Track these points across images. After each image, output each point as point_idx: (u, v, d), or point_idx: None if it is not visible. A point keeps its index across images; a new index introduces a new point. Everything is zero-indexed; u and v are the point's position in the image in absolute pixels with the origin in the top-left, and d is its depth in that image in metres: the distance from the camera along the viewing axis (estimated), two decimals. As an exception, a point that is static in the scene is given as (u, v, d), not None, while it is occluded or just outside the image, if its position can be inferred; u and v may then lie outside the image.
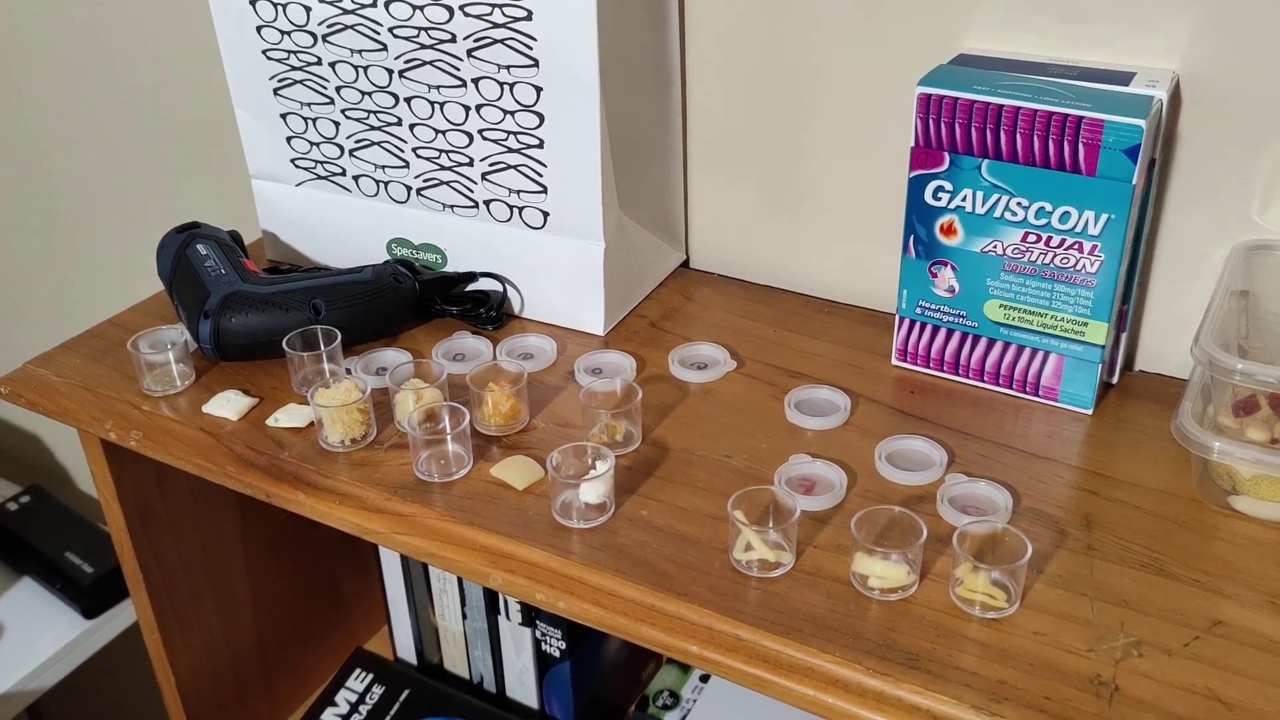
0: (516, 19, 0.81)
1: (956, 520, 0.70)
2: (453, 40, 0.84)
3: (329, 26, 0.88)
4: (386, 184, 0.94)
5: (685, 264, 1.02)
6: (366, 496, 0.76)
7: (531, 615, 1.07)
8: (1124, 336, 0.80)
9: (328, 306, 0.87)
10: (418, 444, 0.77)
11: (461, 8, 0.82)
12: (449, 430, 0.77)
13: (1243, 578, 0.66)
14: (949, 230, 0.78)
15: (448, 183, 0.91)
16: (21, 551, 1.64)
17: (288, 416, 0.82)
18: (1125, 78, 0.74)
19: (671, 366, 0.86)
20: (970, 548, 0.66)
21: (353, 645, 1.23)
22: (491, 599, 1.08)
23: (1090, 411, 0.79)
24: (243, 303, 0.86)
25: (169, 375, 0.87)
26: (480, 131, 0.87)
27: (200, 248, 0.91)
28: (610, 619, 0.67)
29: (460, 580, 1.10)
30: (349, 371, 0.85)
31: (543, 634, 1.07)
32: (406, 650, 1.19)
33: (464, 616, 1.12)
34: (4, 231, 1.58)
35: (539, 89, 0.83)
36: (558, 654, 1.07)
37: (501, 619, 1.09)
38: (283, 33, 0.90)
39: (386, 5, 0.84)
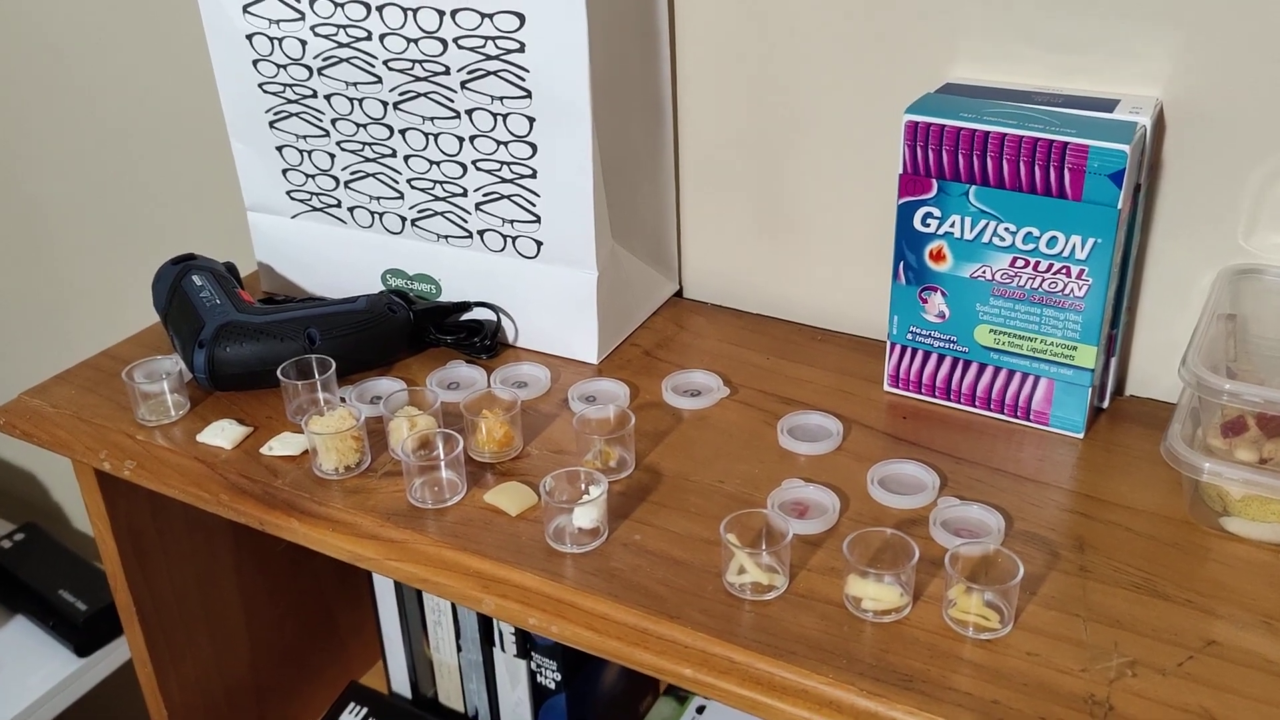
0: (509, 51, 0.82)
1: (949, 543, 0.70)
2: (446, 72, 0.85)
3: (324, 60, 0.89)
4: (381, 215, 0.95)
5: (679, 294, 1.02)
6: (360, 523, 0.76)
7: (527, 647, 1.06)
8: (1114, 361, 0.81)
9: (322, 336, 0.87)
10: (411, 470, 0.77)
11: (455, 40, 0.83)
12: (443, 457, 0.77)
13: (1236, 598, 0.66)
14: (938, 256, 0.79)
15: (442, 213, 0.92)
16: (14, 589, 1.63)
17: (282, 445, 0.82)
18: (1109, 105, 0.75)
19: (665, 394, 0.86)
20: (963, 569, 0.66)
21: (347, 679, 1.22)
22: (486, 631, 1.08)
23: (1081, 435, 0.80)
24: (237, 332, 0.87)
25: (164, 405, 0.87)
26: (474, 162, 0.88)
27: (195, 279, 0.91)
28: (603, 643, 0.67)
29: (455, 612, 1.09)
30: (343, 400, 0.85)
31: (538, 665, 1.06)
32: (401, 684, 1.18)
33: (459, 649, 1.11)
34: None
35: (532, 119, 0.84)
36: (553, 686, 1.06)
37: (496, 651, 1.08)
38: (278, 66, 0.91)
39: (381, 38, 0.86)
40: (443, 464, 0.77)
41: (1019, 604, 0.66)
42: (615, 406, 0.80)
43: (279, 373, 0.84)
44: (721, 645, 0.64)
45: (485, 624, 1.08)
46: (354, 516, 0.76)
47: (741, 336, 0.94)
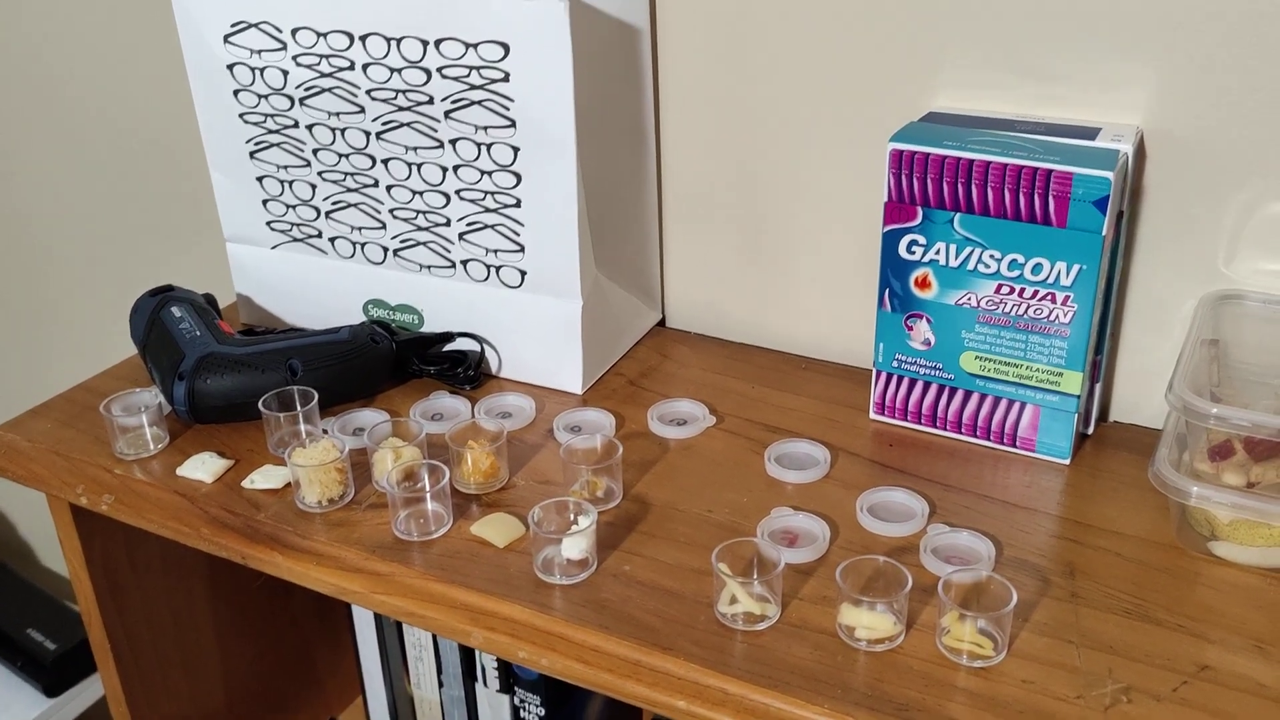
0: (494, 80, 0.82)
1: (940, 570, 0.69)
2: (430, 102, 0.84)
3: (306, 89, 0.88)
4: (363, 245, 0.94)
5: (661, 323, 1.02)
6: (344, 556, 0.75)
7: (510, 682, 1.05)
8: (1098, 387, 0.81)
9: (304, 367, 0.87)
10: (397, 503, 0.76)
11: (439, 70, 0.83)
12: (428, 489, 0.76)
13: (1226, 622, 0.66)
14: (923, 283, 0.79)
15: (424, 243, 0.91)
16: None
17: (264, 478, 0.81)
18: (1091, 133, 0.76)
19: (651, 423, 0.86)
20: (956, 596, 0.65)
21: (326, 716, 1.20)
22: (469, 666, 1.07)
23: (1068, 461, 0.80)
24: (218, 364, 0.86)
25: (142, 439, 0.86)
26: (457, 192, 0.88)
27: (175, 310, 0.90)
28: (595, 675, 0.66)
29: (436, 646, 1.08)
30: (325, 432, 0.84)
31: (521, 700, 1.05)
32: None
33: (440, 684, 1.10)
34: None
35: (516, 149, 0.84)
36: (536, 720, 1.05)
37: (479, 686, 1.07)
38: (260, 96, 0.91)
39: (364, 68, 0.85)
40: (428, 496, 0.76)
41: (1012, 631, 0.65)
42: (602, 436, 0.80)
43: (260, 404, 0.83)
44: (715, 677, 0.64)
45: (468, 659, 1.06)
46: (338, 550, 0.75)
47: (726, 365, 0.94)
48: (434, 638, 1.07)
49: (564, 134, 0.82)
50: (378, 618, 1.10)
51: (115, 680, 0.99)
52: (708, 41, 0.90)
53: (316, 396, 0.84)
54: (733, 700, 0.63)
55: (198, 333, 0.88)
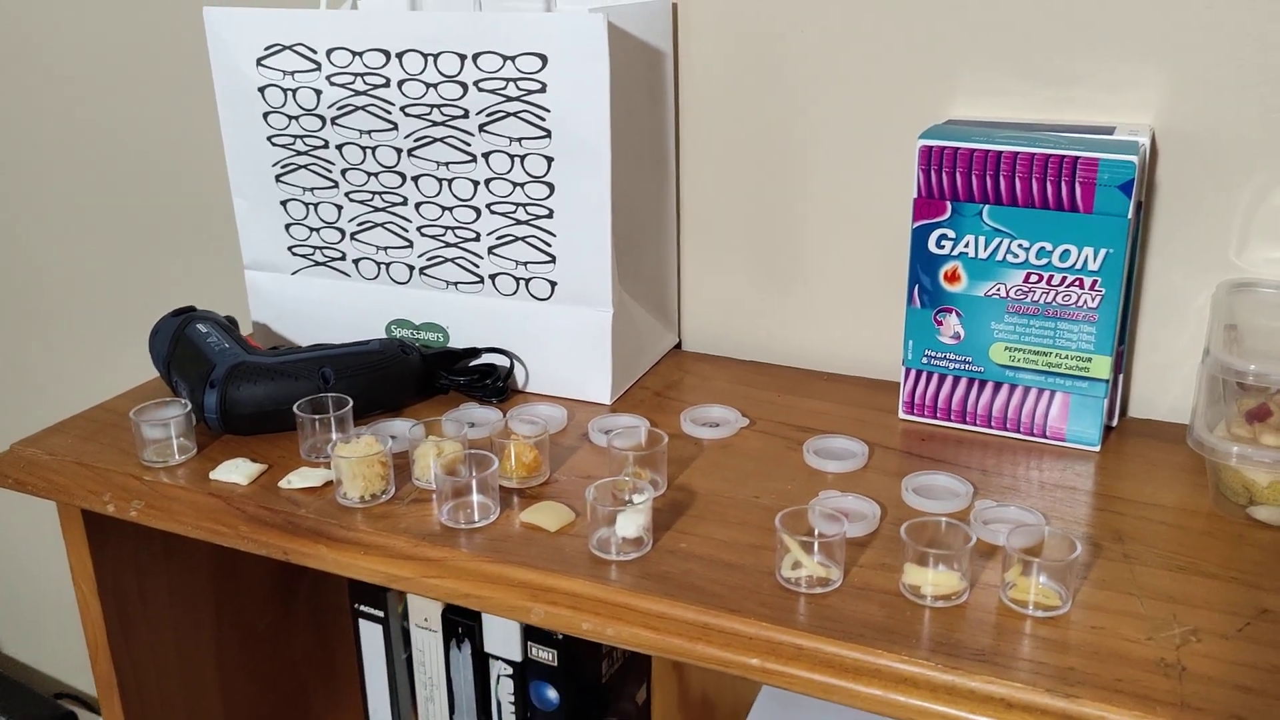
0: (530, 92, 0.84)
1: (994, 539, 0.71)
2: (465, 116, 0.87)
3: (339, 109, 0.90)
4: (388, 265, 0.95)
5: (678, 348, 1.04)
6: (392, 545, 0.74)
7: (528, 716, 1.02)
8: (1121, 379, 0.84)
9: (336, 375, 0.86)
10: (444, 492, 0.75)
11: (476, 83, 0.85)
12: (475, 478, 0.76)
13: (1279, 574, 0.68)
14: (953, 277, 0.82)
15: (452, 259, 0.93)
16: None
17: (301, 478, 0.80)
18: (1107, 132, 0.80)
19: (684, 425, 0.87)
20: (1019, 551, 0.66)
21: (327, 768, 1.16)
22: (484, 704, 1.04)
23: (1097, 449, 0.82)
24: (250, 372, 0.85)
25: (169, 448, 0.84)
26: (488, 205, 0.89)
27: (200, 326, 0.90)
28: (664, 641, 0.66)
29: (449, 685, 1.05)
30: (386, 439, 0.84)
31: (537, 737, 1.02)
32: (386, 771, 1.13)
33: (451, 726, 1.07)
34: None
35: (550, 159, 0.86)
36: (554, 758, 1.02)
37: (492, 725, 1.04)
38: (290, 118, 0.92)
39: (400, 85, 0.88)
40: (474, 485, 0.76)
41: (1074, 586, 0.66)
42: (646, 427, 0.80)
43: (295, 409, 0.83)
44: (787, 633, 0.64)
45: (483, 695, 1.04)
46: (385, 539, 0.74)
47: (749, 378, 0.96)
48: (447, 675, 1.05)
49: (600, 140, 0.84)
50: (389, 657, 1.08)
51: (119, 715, 0.95)
52: (729, 65, 0.94)
53: (350, 403, 0.84)
54: (807, 654, 0.63)
55: (226, 345, 0.88)
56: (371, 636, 1.07)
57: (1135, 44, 0.81)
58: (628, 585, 0.68)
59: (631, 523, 0.71)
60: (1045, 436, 0.83)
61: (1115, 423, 0.86)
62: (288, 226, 0.97)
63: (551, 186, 0.87)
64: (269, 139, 0.94)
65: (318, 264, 0.98)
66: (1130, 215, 0.76)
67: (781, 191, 0.96)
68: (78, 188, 1.32)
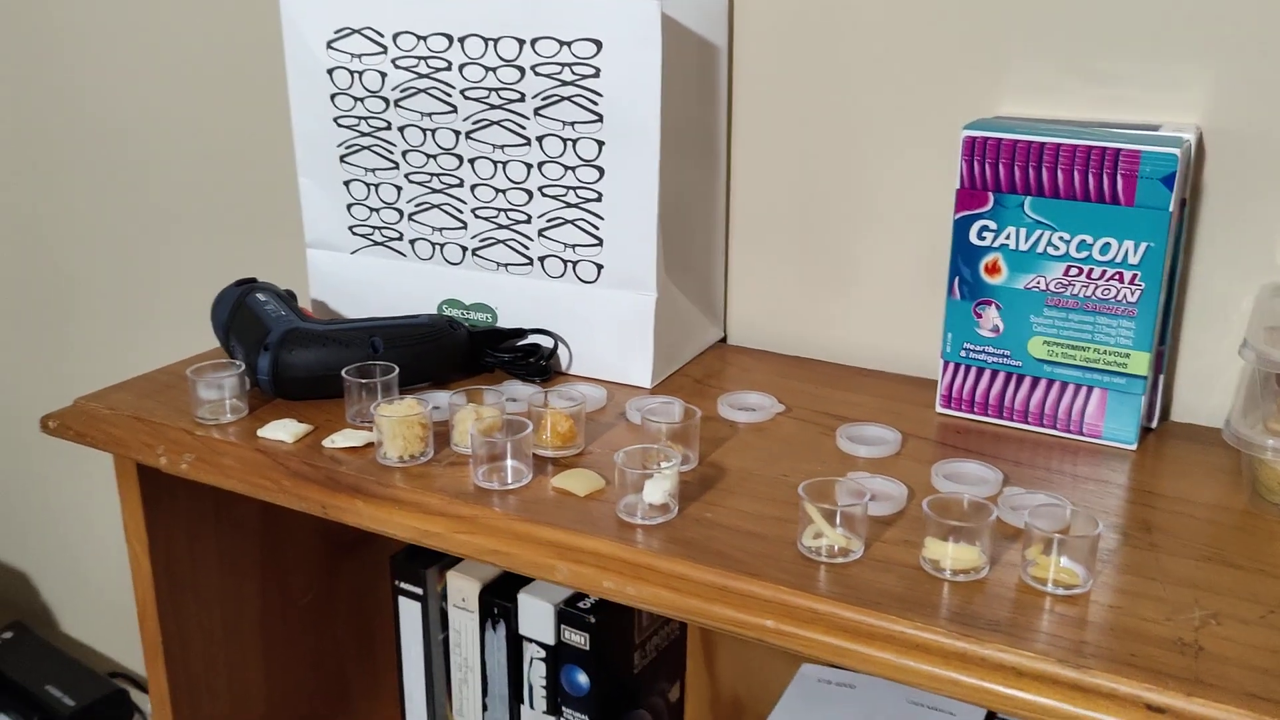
0: (585, 76, 0.87)
1: (1020, 523, 0.70)
2: (521, 100, 0.90)
3: (402, 91, 0.94)
4: (442, 246, 0.98)
5: (723, 341, 1.05)
6: (426, 502, 0.76)
7: (558, 701, 1.03)
8: (1161, 379, 0.84)
9: (385, 345, 0.89)
10: (479, 455, 0.77)
11: (533, 68, 0.88)
12: (510, 443, 0.78)
13: (1308, 568, 0.67)
14: (993, 269, 0.82)
15: (504, 241, 0.95)
16: (1, 686, 1.58)
17: (344, 438, 0.83)
18: (1152, 129, 0.80)
19: (720, 409, 0.88)
20: (1040, 529, 0.66)
21: (361, 743, 1.18)
22: (515, 686, 1.05)
23: (1134, 447, 0.81)
24: (303, 338, 0.88)
25: (222, 408, 0.87)
26: (540, 188, 0.92)
27: (260, 295, 0.94)
28: (682, 601, 0.67)
29: (484, 667, 1.07)
30: (426, 402, 0.86)
31: (568, 722, 1.03)
32: (418, 750, 1.14)
33: (484, 708, 1.08)
34: (44, 292, 1.60)
35: (601, 143, 0.88)
36: (583, 743, 1.03)
37: (524, 709, 1.05)
38: (355, 99, 0.96)
39: (460, 69, 0.91)
40: (509, 450, 0.78)
41: (1095, 569, 0.66)
42: (681, 403, 0.82)
43: (343, 373, 0.85)
44: (804, 597, 0.64)
45: (515, 679, 1.05)
46: (420, 496, 0.76)
47: (790, 370, 0.97)
48: (482, 658, 1.06)
49: (650, 124, 0.86)
50: (426, 636, 1.10)
51: (162, 679, 0.98)
52: (782, 62, 0.96)
53: (396, 370, 0.86)
54: (823, 618, 0.64)
55: (283, 313, 0.91)
56: (410, 615, 1.09)
57: (1183, 43, 0.81)
58: (651, 548, 0.69)
59: (658, 489, 0.72)
60: (1082, 434, 0.83)
61: (1155, 424, 0.85)
62: (349, 206, 1.01)
63: (601, 170, 0.89)
64: (335, 120, 0.98)
65: (376, 244, 1.01)
66: (1172, 209, 0.76)
67: (830, 189, 0.97)
68: (154, 174, 1.38)
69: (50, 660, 1.62)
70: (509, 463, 0.78)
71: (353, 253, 1.02)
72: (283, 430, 0.84)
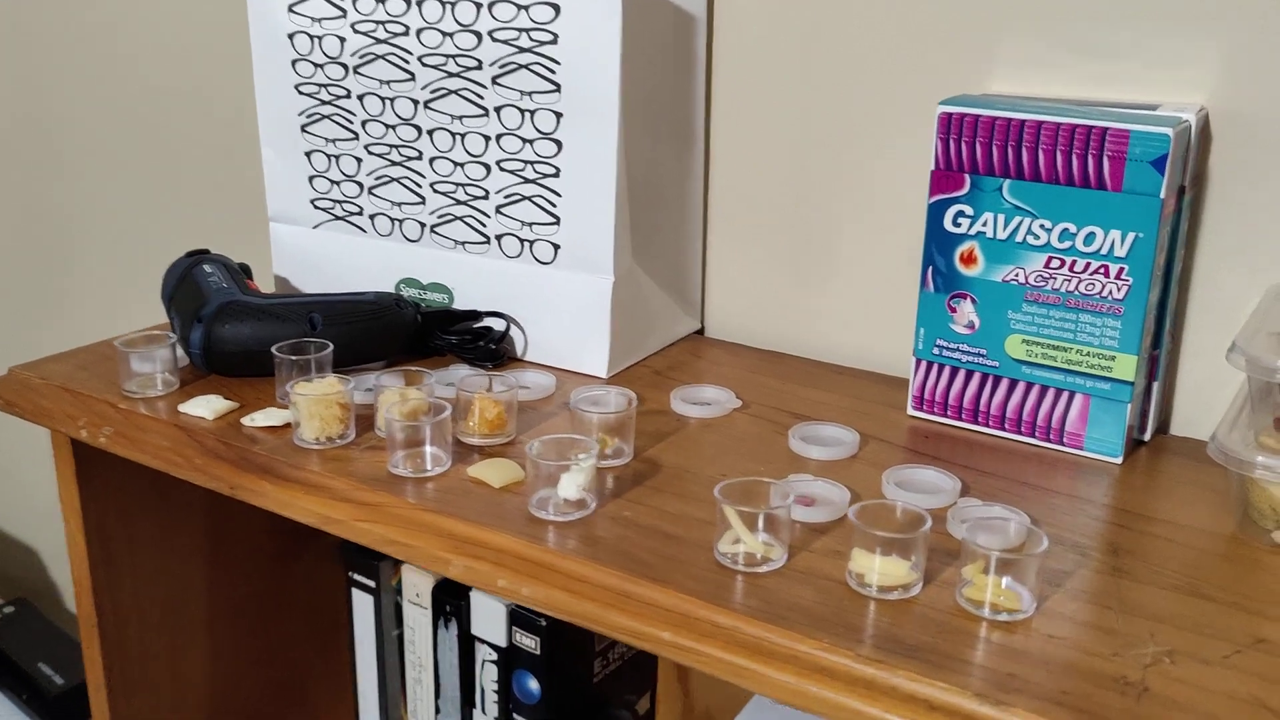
0: (542, 43, 0.81)
1: (973, 538, 0.63)
2: (479, 67, 0.84)
3: (361, 57, 0.89)
4: (401, 222, 0.93)
5: (700, 333, 0.99)
6: (334, 487, 0.71)
7: (509, 708, 0.98)
8: (1156, 387, 0.75)
9: (324, 321, 0.84)
10: (395, 439, 0.72)
11: (490, 33, 0.83)
12: (429, 428, 0.72)
13: (1290, 604, 0.58)
14: (969, 259, 0.75)
15: (461, 218, 0.90)
16: (-7, 666, 1.57)
17: (265, 417, 0.78)
18: (1150, 109, 0.72)
19: (673, 403, 0.81)
20: (984, 546, 0.59)
21: (315, 742, 1.13)
22: (468, 689, 1.00)
23: (1119, 460, 0.73)
24: (239, 311, 0.84)
25: (152, 382, 0.84)
26: (499, 162, 0.86)
27: (207, 267, 0.89)
28: (577, 605, 0.61)
29: (436, 669, 1.01)
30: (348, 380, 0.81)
31: (520, 730, 0.97)
32: (373, 752, 1.09)
33: (437, 710, 1.03)
34: (11, 257, 1.59)
35: (559, 115, 0.83)
36: (534, 754, 0.97)
37: (476, 713, 1.00)
38: (315, 65, 0.91)
39: (418, 33, 0.86)
40: (428, 436, 0.72)
41: (1043, 592, 0.58)
42: (617, 392, 0.76)
43: (274, 350, 0.81)
44: (706, 609, 0.58)
45: (467, 682, 1.00)
46: (328, 480, 0.71)
47: (762, 366, 0.90)
48: (434, 658, 1.01)
49: (608, 97, 0.80)
50: (379, 632, 1.05)
51: (98, 662, 0.94)
52: (765, 35, 0.89)
53: (331, 347, 0.81)
54: (723, 633, 0.57)
55: (224, 285, 0.87)
56: (363, 608, 1.04)
57: (1188, 15, 0.73)
58: (554, 546, 0.63)
59: (572, 483, 0.66)
60: (1063, 444, 0.75)
61: (1148, 437, 0.77)
62: (311, 179, 0.96)
63: (560, 144, 0.84)
64: (296, 87, 0.94)
65: (337, 218, 0.96)
66: (1164, 195, 0.68)
67: (814, 174, 0.90)
68: (122, 135, 1.35)
69: (48, 638, 1.61)
70: (428, 449, 0.73)
71: (314, 227, 0.98)
72: (204, 406, 0.80)
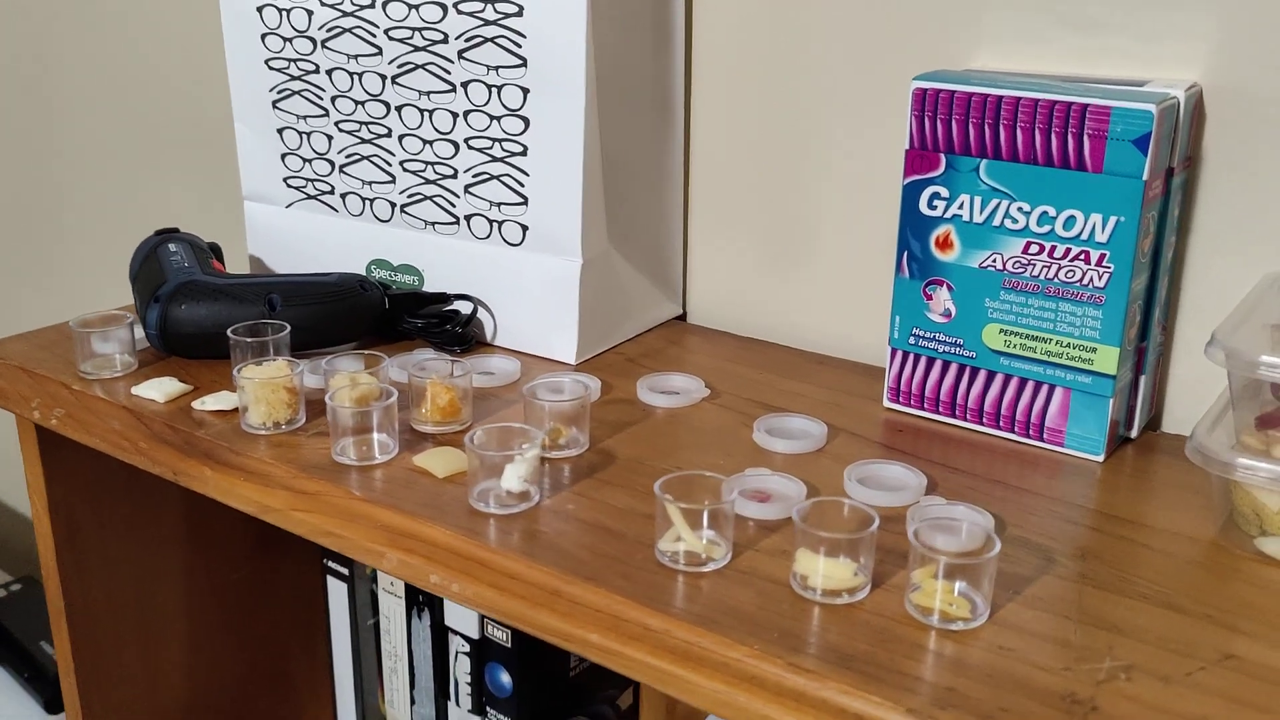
0: (508, 15, 0.78)
1: (930, 540, 0.59)
2: (445, 40, 0.81)
3: (328, 31, 0.86)
4: (372, 201, 0.90)
5: (682, 319, 0.95)
6: (273, 474, 0.68)
7: (482, 702, 0.95)
8: (1144, 381, 0.71)
9: (284, 303, 0.82)
10: (338, 425, 0.69)
11: (455, 5, 0.80)
12: (376, 414, 0.69)
13: (1267, 618, 0.54)
14: (945, 244, 0.71)
15: (431, 198, 0.87)
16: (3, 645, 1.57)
17: (216, 401, 0.76)
18: (1138, 85, 0.68)
19: (639, 392, 0.78)
20: (930, 548, 0.55)
21: (293, 730, 1.12)
22: (442, 680, 0.98)
23: (1101, 459, 0.69)
24: (196, 291, 0.82)
25: (109, 363, 0.82)
26: (467, 140, 0.84)
27: (171, 246, 0.87)
28: (505, 603, 0.58)
29: (410, 658, 0.99)
30: (296, 364, 0.79)
31: (493, 725, 0.95)
32: (350, 742, 1.07)
33: (412, 701, 1.01)
34: None
35: (526, 90, 0.80)
36: (507, 749, 0.95)
37: (451, 705, 0.98)
38: (284, 39, 0.89)
39: (384, 6, 0.83)
40: (375, 423, 0.70)
41: (997, 600, 0.55)
42: (572, 378, 0.73)
43: (229, 332, 0.78)
44: (638, 610, 0.55)
45: (441, 673, 0.97)
46: (269, 468, 0.69)
47: (740, 355, 0.86)
48: (409, 647, 0.99)
49: (575, 72, 0.77)
50: (354, 621, 1.03)
51: (67, 648, 0.93)
52: (747, 4, 0.85)
53: (288, 328, 0.79)
54: (652, 637, 0.54)
55: (186, 264, 0.85)
56: (338, 596, 1.02)
57: (1184, -17, 0.68)
58: (489, 540, 0.60)
59: (514, 475, 0.63)
60: (1042, 439, 0.71)
61: (1135, 434, 0.72)
62: (283, 156, 0.94)
63: (527, 121, 0.81)
64: (266, 62, 0.91)
65: (309, 197, 0.94)
66: (1146, 177, 0.63)
67: (797, 154, 0.86)
68: (104, 122, 1.34)
69: (52, 617, 1.61)
70: (375, 436, 0.70)
71: (287, 206, 0.96)
72: (156, 389, 0.77)
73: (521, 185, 0.82)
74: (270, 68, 0.91)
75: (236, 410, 0.75)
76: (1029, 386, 0.70)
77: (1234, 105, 0.68)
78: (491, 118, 0.82)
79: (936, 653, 0.51)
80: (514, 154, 0.82)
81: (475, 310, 0.86)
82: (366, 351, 0.78)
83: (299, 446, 0.71)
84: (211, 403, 0.76)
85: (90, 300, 1.45)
